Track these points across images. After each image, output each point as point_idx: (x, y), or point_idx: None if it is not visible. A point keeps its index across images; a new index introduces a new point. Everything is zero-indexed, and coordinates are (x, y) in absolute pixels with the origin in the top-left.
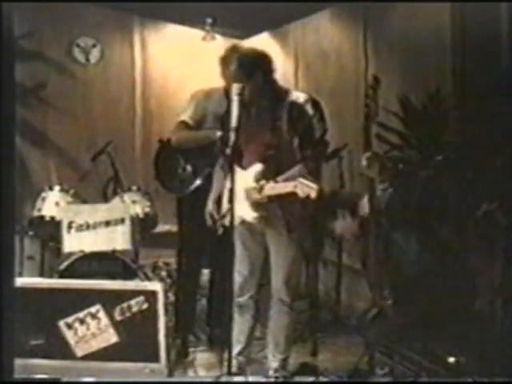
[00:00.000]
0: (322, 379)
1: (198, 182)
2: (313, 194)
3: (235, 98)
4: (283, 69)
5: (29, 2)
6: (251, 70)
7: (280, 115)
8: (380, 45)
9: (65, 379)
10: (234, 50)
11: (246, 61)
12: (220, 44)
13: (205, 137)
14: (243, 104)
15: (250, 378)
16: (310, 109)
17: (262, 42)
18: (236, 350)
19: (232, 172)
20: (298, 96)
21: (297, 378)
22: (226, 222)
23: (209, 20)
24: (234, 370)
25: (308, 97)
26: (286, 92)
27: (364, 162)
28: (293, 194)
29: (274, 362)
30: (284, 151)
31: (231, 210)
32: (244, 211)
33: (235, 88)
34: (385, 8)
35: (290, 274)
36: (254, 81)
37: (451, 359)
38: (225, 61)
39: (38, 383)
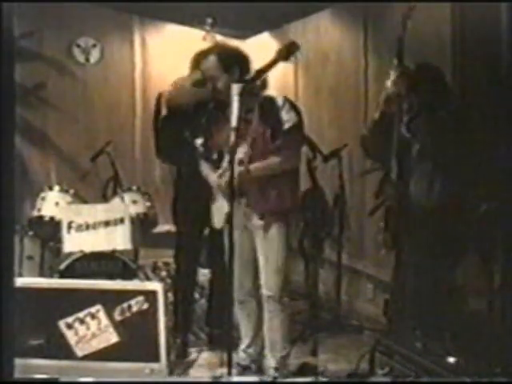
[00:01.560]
0: (322, 379)
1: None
2: None
3: (235, 98)
4: (283, 69)
5: (29, 2)
6: (229, 64)
7: (252, 108)
8: (380, 45)
9: (64, 379)
10: (215, 44)
11: (224, 55)
12: None
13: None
14: (242, 104)
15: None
16: (279, 101)
17: (262, 41)
18: (244, 344)
19: (231, 173)
20: (271, 93)
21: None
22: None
23: (209, 20)
24: (245, 362)
25: (281, 94)
26: (260, 89)
27: (392, 77)
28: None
29: (272, 361)
30: (257, 143)
31: (231, 209)
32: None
33: (235, 88)
34: (384, 8)
35: (276, 269)
36: (230, 75)
37: (451, 359)
38: (205, 53)
39: (38, 383)
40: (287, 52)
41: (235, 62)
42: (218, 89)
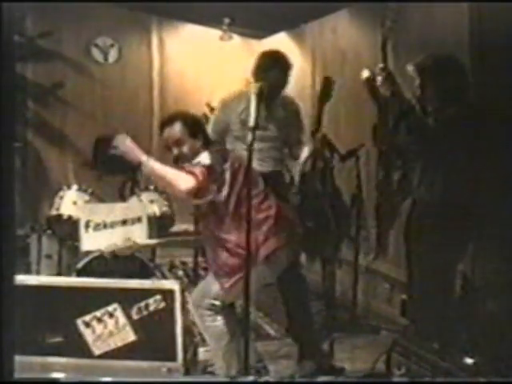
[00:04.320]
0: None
1: None
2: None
3: (253, 98)
4: (301, 68)
5: (29, 2)
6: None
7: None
8: (398, 44)
9: (81, 378)
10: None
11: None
12: (237, 44)
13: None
14: (261, 103)
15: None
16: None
17: (280, 41)
18: None
19: (248, 174)
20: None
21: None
22: None
23: (226, 20)
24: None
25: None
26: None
27: (379, 81)
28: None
29: None
30: None
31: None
32: None
33: (254, 87)
34: (402, 7)
35: None
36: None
37: (469, 360)
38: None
39: (37, 383)
40: (326, 92)
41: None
42: (184, 153)
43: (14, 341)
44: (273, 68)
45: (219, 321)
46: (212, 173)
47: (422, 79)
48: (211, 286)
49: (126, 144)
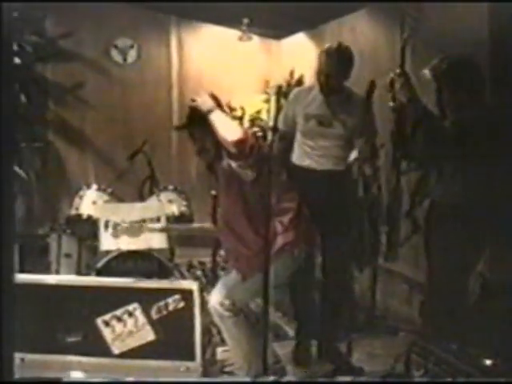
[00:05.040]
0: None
1: None
2: None
3: (273, 98)
4: None
5: (30, 2)
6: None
7: None
8: (416, 44)
9: (101, 377)
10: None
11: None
12: (256, 44)
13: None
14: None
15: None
16: None
17: (298, 42)
18: None
19: (270, 174)
20: None
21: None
22: None
23: (245, 20)
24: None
25: None
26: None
27: (397, 86)
28: None
29: None
30: None
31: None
32: None
33: (272, 88)
34: (421, 7)
35: None
36: None
37: (488, 361)
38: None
39: (37, 383)
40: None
41: None
42: None
43: (14, 340)
44: (333, 63)
45: (239, 321)
46: (254, 141)
47: (438, 83)
48: (230, 286)
49: (203, 95)
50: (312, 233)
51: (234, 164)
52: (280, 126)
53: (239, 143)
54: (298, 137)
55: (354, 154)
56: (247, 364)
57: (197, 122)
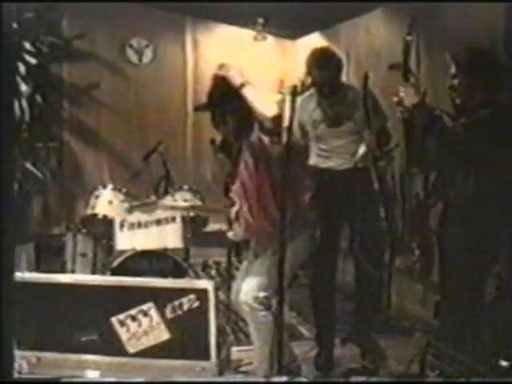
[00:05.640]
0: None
1: None
2: None
3: (287, 98)
4: None
5: (30, 2)
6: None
7: None
8: (432, 44)
9: (116, 376)
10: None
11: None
12: (271, 44)
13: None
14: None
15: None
16: None
17: (313, 42)
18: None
19: (286, 171)
20: None
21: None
22: None
23: (260, 20)
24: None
25: None
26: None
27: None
28: None
29: None
30: None
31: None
32: None
33: (287, 88)
34: (436, 6)
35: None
36: None
37: (504, 363)
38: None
39: (37, 383)
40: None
41: None
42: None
43: (14, 340)
44: (323, 65)
45: (269, 316)
46: None
47: (456, 70)
48: (260, 278)
49: (233, 69)
50: (331, 214)
51: (266, 139)
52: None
53: (276, 118)
54: (312, 144)
55: (362, 149)
56: (268, 363)
57: (219, 98)
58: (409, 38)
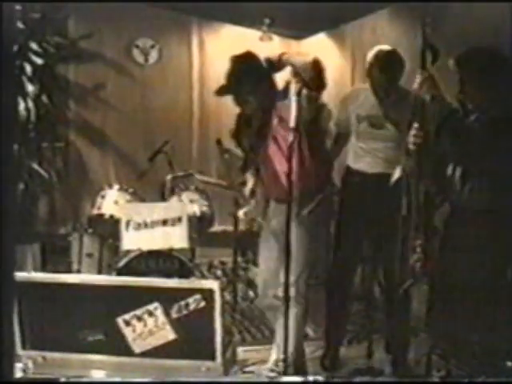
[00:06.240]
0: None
1: None
2: None
3: (293, 99)
4: (340, 68)
5: (35, 2)
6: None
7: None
8: (438, 44)
9: (122, 376)
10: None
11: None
12: (277, 44)
13: None
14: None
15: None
16: None
17: (319, 42)
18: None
19: (290, 170)
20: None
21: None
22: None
23: (266, 20)
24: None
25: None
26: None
27: (417, 82)
28: None
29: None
30: None
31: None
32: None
33: (294, 88)
34: (443, 7)
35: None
36: None
37: (510, 363)
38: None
39: (37, 383)
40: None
41: None
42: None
43: (19, 340)
44: (385, 67)
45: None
46: None
47: (462, 74)
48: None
49: None
50: (356, 222)
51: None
52: (334, 128)
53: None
54: (353, 139)
55: (397, 172)
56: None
57: (244, 78)
58: (427, 29)
